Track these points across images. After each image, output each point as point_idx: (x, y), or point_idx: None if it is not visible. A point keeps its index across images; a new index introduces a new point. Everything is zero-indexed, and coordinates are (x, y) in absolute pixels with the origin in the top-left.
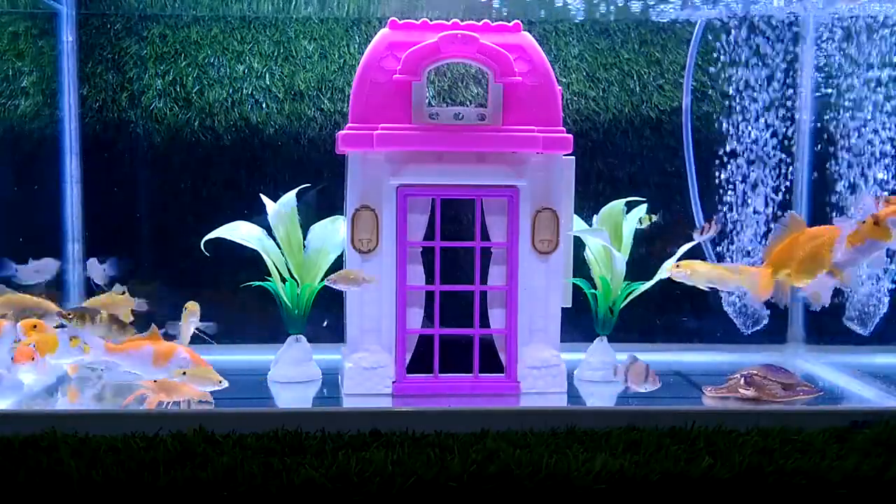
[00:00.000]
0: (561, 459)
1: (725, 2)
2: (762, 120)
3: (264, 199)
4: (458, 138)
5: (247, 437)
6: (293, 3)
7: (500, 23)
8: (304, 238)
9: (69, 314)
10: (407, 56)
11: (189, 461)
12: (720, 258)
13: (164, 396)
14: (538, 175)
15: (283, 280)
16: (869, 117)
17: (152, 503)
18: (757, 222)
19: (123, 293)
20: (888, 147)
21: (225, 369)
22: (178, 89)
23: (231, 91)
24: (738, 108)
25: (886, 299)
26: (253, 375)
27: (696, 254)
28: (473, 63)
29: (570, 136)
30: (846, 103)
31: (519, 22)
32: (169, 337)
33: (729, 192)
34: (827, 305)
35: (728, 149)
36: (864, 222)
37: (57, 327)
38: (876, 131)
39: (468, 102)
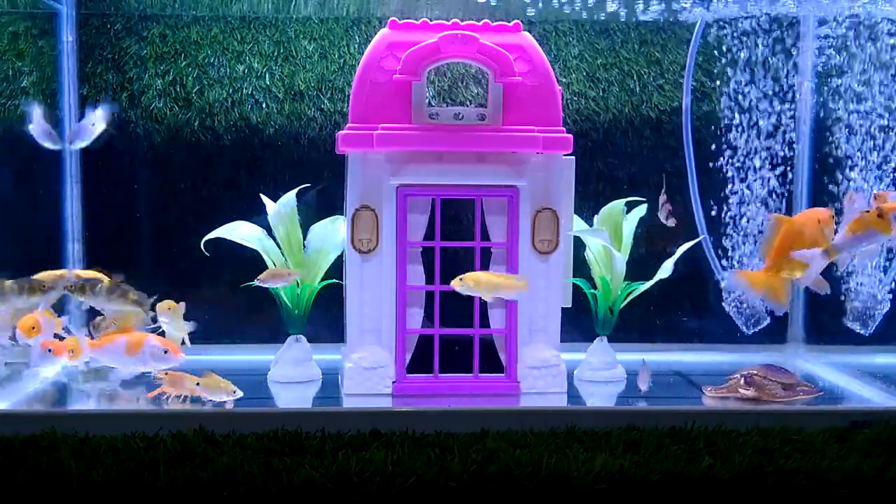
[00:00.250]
0: (561, 459)
1: (725, 1)
2: (762, 120)
3: (264, 199)
4: (458, 138)
5: (247, 437)
6: (293, 3)
7: (500, 23)
8: (304, 238)
9: (70, 286)
10: (407, 56)
11: (189, 461)
12: (720, 257)
13: (171, 389)
14: (538, 175)
15: None
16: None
17: (152, 503)
18: (754, 222)
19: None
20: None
21: (225, 369)
22: (178, 89)
23: (231, 91)
24: (738, 107)
25: (888, 299)
26: (253, 375)
27: (696, 253)
28: (473, 63)
29: (570, 136)
30: (847, 102)
31: (519, 22)
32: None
33: (729, 192)
34: (826, 290)
35: (728, 148)
36: (868, 212)
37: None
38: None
39: (468, 102)
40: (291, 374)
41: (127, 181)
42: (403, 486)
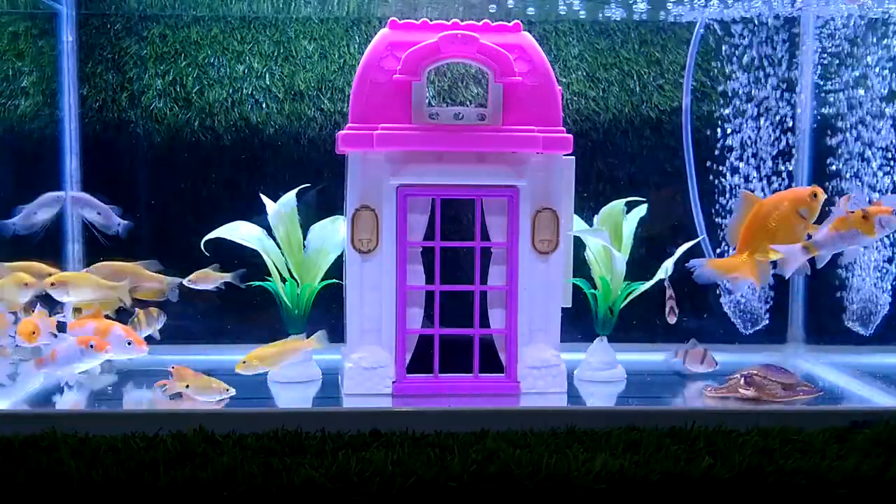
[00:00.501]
0: (561, 459)
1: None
2: (762, 120)
3: (264, 199)
4: (458, 138)
5: (247, 437)
6: (293, 3)
7: (500, 23)
8: (304, 238)
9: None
10: (407, 56)
11: (189, 461)
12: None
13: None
14: (538, 175)
15: (283, 280)
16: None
17: (152, 503)
18: None
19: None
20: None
21: (225, 369)
22: (178, 89)
23: (231, 91)
24: (737, 108)
25: (887, 299)
26: (253, 375)
27: (696, 252)
28: (473, 63)
29: (570, 136)
30: (847, 101)
31: (519, 22)
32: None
33: (728, 192)
34: (807, 273)
35: (727, 148)
36: (853, 212)
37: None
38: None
39: (468, 102)
40: (291, 374)
41: (127, 181)
42: (403, 486)
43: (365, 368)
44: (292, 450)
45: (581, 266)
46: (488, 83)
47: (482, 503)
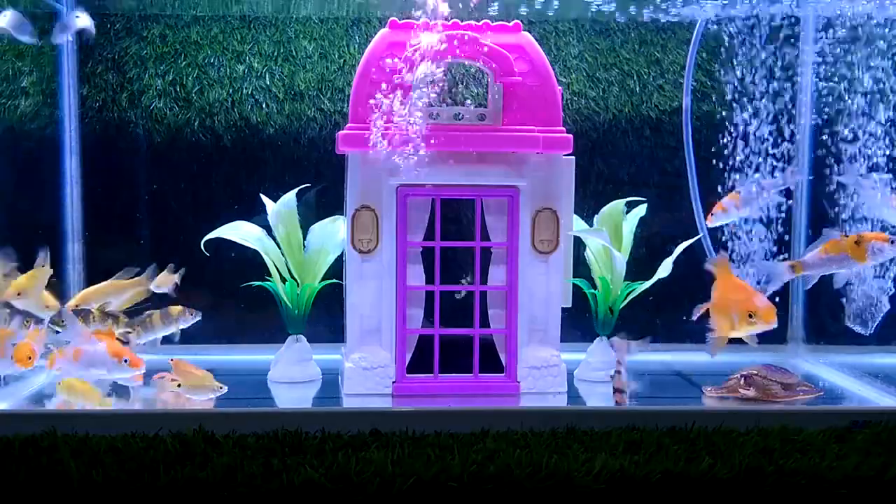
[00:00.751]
0: (561, 459)
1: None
2: (762, 119)
3: (264, 199)
4: (458, 138)
5: (247, 437)
6: (293, 3)
7: (500, 23)
8: (304, 238)
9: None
10: (407, 56)
11: (189, 461)
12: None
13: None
14: (538, 175)
15: (283, 280)
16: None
17: (152, 503)
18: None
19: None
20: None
21: (225, 369)
22: (178, 89)
23: (231, 91)
24: (737, 107)
25: (887, 299)
26: (253, 375)
27: (696, 252)
28: (473, 63)
29: (570, 136)
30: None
31: (519, 22)
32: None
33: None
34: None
35: (726, 148)
36: (846, 236)
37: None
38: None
39: (468, 102)
40: (291, 374)
41: (127, 181)
42: (403, 486)
43: (365, 368)
44: (292, 450)
45: (581, 266)
46: (488, 83)
47: (482, 503)
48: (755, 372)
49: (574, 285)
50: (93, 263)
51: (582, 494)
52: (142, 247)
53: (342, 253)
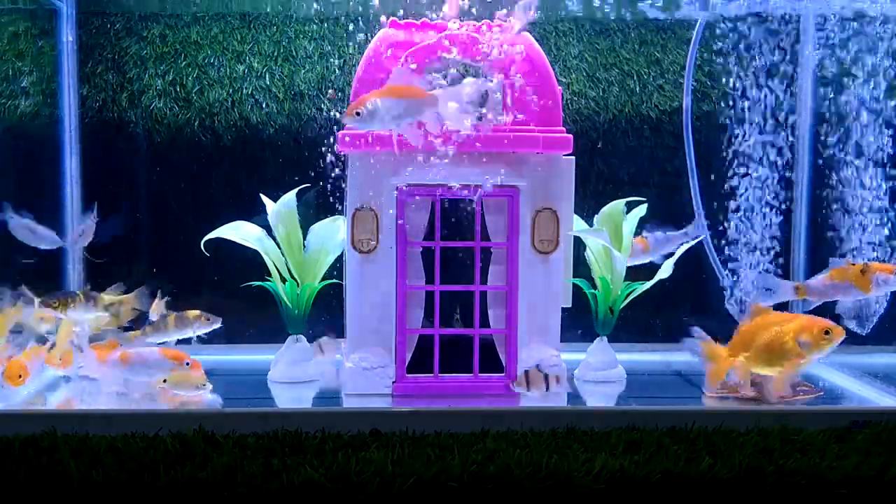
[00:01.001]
0: (561, 459)
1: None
2: (761, 119)
3: (264, 199)
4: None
5: (247, 437)
6: (293, 3)
7: (501, 23)
8: (304, 238)
9: (53, 303)
10: (407, 56)
11: (189, 461)
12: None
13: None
14: (538, 175)
15: (283, 280)
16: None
17: (152, 503)
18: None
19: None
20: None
21: (225, 369)
22: (178, 89)
23: (231, 91)
24: (737, 107)
25: (883, 298)
26: (253, 375)
27: (696, 253)
28: (474, 63)
29: (570, 136)
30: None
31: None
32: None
33: (728, 192)
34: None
35: (726, 149)
36: (854, 265)
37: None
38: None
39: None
40: (291, 374)
41: (127, 181)
42: (403, 486)
43: (365, 368)
44: (292, 450)
45: (581, 266)
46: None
47: (482, 503)
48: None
49: (574, 285)
50: (93, 263)
51: (582, 494)
52: (141, 247)
53: (342, 253)
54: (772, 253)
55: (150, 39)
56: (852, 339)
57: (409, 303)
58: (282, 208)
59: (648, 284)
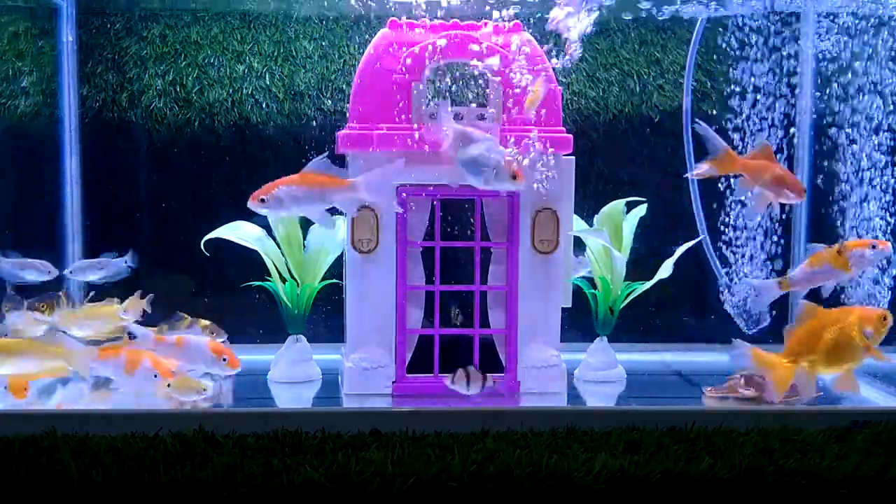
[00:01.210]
0: (561, 459)
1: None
2: (761, 119)
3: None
4: None
5: (247, 437)
6: (293, 2)
7: (500, 23)
8: (304, 238)
9: (41, 306)
10: (407, 56)
11: (189, 461)
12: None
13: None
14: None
15: (283, 280)
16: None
17: (152, 503)
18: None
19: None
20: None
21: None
22: (178, 89)
23: (231, 91)
24: (737, 107)
25: (887, 297)
26: (253, 375)
27: (697, 253)
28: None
29: (570, 136)
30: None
31: (519, 22)
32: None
33: (728, 193)
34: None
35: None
36: (829, 247)
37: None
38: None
39: (468, 102)
40: (291, 374)
41: (127, 181)
42: (403, 486)
43: (365, 368)
44: (292, 450)
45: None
46: (488, 83)
47: (482, 503)
48: (755, 372)
49: (574, 285)
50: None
51: (582, 494)
52: (141, 247)
53: (342, 253)
54: (772, 249)
55: (150, 39)
56: None
57: (409, 303)
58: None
59: (648, 284)
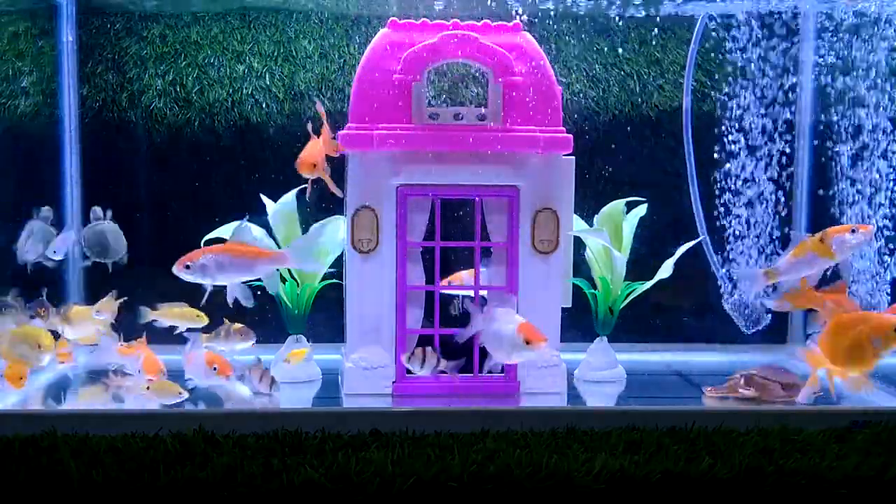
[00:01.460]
0: (561, 459)
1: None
2: (761, 118)
3: (264, 199)
4: (458, 138)
5: (247, 437)
6: (293, 2)
7: (500, 23)
8: None
9: (41, 311)
10: (407, 56)
11: (189, 461)
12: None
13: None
14: (538, 175)
15: (283, 280)
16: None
17: (152, 503)
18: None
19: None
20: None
21: None
22: (178, 89)
23: (231, 91)
24: (736, 106)
25: (886, 298)
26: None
27: (697, 254)
28: (473, 63)
29: (570, 136)
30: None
31: (519, 22)
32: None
33: (727, 193)
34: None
35: (726, 147)
36: (812, 236)
37: None
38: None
39: (468, 102)
40: (291, 374)
41: (127, 181)
42: (403, 486)
43: (365, 368)
44: (292, 450)
45: (581, 266)
46: (488, 83)
47: (482, 503)
48: (755, 372)
49: (574, 285)
50: (93, 264)
51: (582, 494)
52: (141, 247)
53: (342, 253)
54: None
55: (150, 39)
56: None
57: (409, 303)
58: (282, 208)
59: (648, 284)
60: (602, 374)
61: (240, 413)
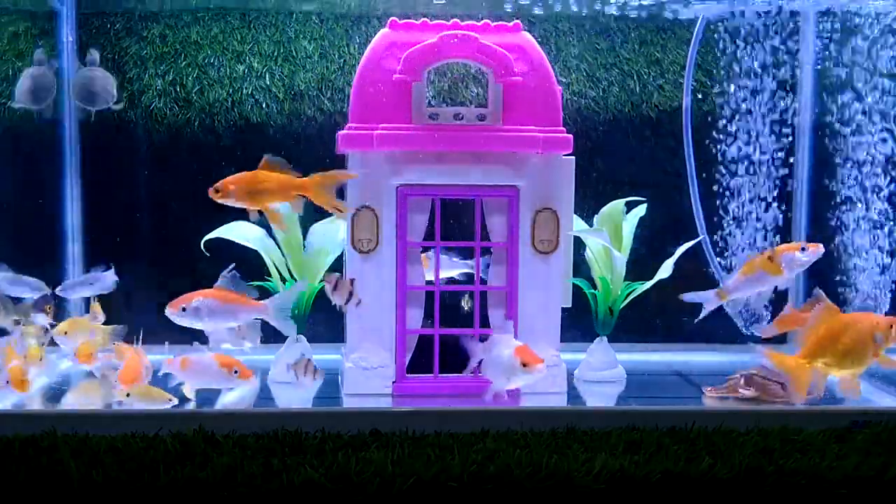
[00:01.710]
0: (561, 459)
1: None
2: (760, 118)
3: None
4: (458, 138)
5: (247, 437)
6: (293, 2)
7: (500, 23)
8: (304, 238)
9: (47, 309)
10: (407, 56)
11: (189, 461)
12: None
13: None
14: (538, 175)
15: (283, 280)
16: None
17: (152, 503)
18: (755, 223)
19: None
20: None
21: None
22: (178, 89)
23: (231, 91)
24: (737, 106)
25: (887, 298)
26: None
27: (697, 254)
28: (473, 63)
29: (570, 136)
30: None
31: (519, 22)
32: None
33: (726, 193)
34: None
35: (725, 148)
36: (760, 254)
37: None
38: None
39: (468, 102)
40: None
41: (127, 181)
42: (403, 486)
43: (365, 368)
44: (292, 450)
45: (581, 266)
46: (488, 83)
47: (482, 503)
48: (755, 372)
49: (574, 285)
50: (93, 264)
51: (582, 494)
52: (141, 247)
53: (342, 253)
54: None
55: (150, 39)
56: None
57: (408, 303)
58: (282, 208)
59: (648, 284)
60: (602, 374)
61: (240, 413)
